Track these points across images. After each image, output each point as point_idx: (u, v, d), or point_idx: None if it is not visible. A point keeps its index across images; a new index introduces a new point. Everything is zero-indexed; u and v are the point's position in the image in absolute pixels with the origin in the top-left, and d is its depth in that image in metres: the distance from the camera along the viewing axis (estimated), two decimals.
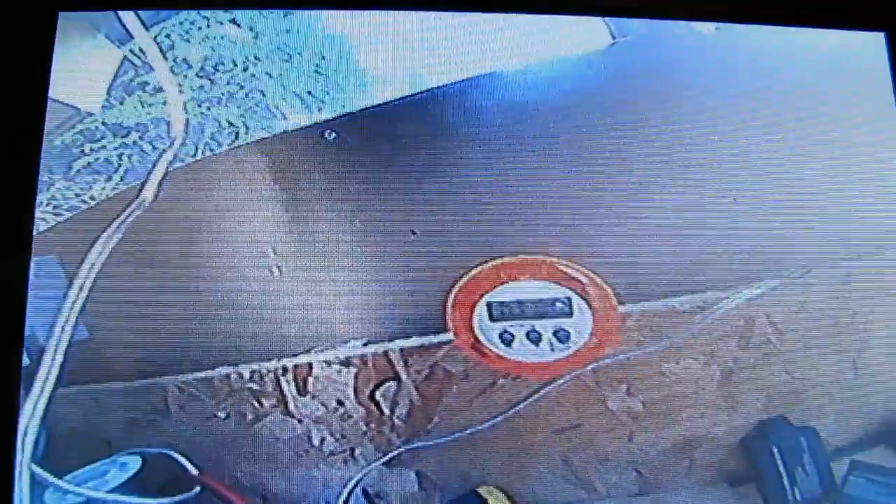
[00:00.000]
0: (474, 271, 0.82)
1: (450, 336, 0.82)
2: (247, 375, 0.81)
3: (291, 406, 0.81)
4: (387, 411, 0.82)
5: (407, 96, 0.84)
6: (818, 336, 0.83)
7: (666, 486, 0.82)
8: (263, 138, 0.84)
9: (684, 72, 0.87)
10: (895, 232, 0.85)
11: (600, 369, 0.82)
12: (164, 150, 0.83)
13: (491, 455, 0.82)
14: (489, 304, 0.82)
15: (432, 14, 0.85)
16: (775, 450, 0.81)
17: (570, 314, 0.82)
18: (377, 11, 0.85)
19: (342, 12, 0.86)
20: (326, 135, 0.84)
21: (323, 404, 0.82)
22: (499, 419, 0.82)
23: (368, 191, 0.83)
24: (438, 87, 0.84)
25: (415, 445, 0.81)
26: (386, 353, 0.82)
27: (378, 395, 0.82)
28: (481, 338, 0.82)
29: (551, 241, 0.82)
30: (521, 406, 0.82)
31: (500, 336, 0.82)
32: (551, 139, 0.84)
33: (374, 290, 0.82)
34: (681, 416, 0.82)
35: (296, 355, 0.81)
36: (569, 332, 0.82)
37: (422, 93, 0.84)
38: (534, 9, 0.86)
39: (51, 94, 0.83)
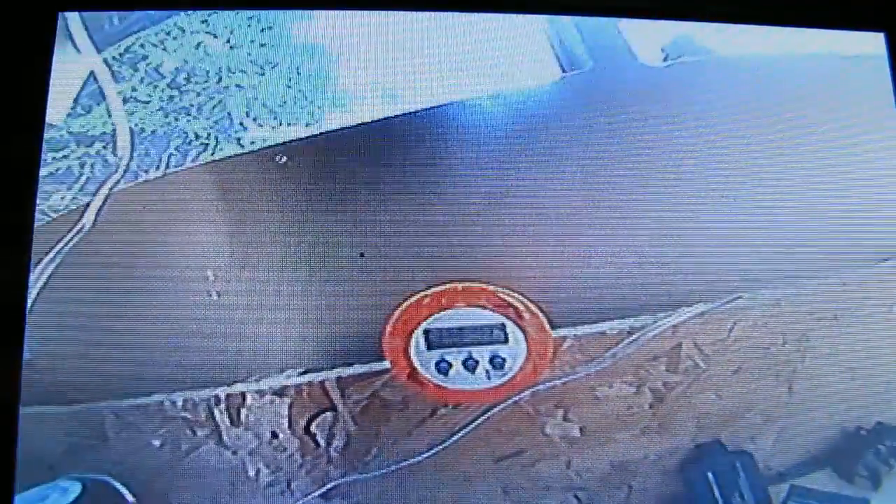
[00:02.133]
0: (414, 298, 0.82)
1: (387, 365, 0.82)
2: (180, 404, 0.80)
3: (225, 437, 0.80)
4: (323, 444, 0.81)
5: (361, 124, 0.84)
6: (748, 360, 0.83)
7: None
8: (212, 161, 0.84)
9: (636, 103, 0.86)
10: (825, 257, 0.85)
11: (537, 395, 0.82)
12: (110, 175, 0.83)
13: (431, 486, 0.81)
14: (427, 332, 0.82)
15: (410, 34, 0.85)
16: (711, 476, 0.80)
17: (506, 340, 0.82)
18: (358, 11, 0.85)
19: (318, 24, 0.85)
20: (277, 159, 0.84)
21: (257, 436, 0.81)
22: (438, 449, 0.81)
23: (315, 216, 0.83)
24: (389, 118, 0.84)
25: (353, 478, 0.80)
26: (322, 383, 0.81)
27: (314, 426, 0.81)
28: (418, 367, 0.82)
29: (491, 267, 0.83)
30: (461, 435, 0.81)
31: (437, 365, 0.82)
32: (495, 169, 0.84)
33: (315, 316, 0.82)
34: (616, 439, 0.82)
35: (229, 384, 0.81)
36: (504, 359, 0.82)
37: (375, 121, 0.84)
38: (531, 9, 0.87)
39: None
